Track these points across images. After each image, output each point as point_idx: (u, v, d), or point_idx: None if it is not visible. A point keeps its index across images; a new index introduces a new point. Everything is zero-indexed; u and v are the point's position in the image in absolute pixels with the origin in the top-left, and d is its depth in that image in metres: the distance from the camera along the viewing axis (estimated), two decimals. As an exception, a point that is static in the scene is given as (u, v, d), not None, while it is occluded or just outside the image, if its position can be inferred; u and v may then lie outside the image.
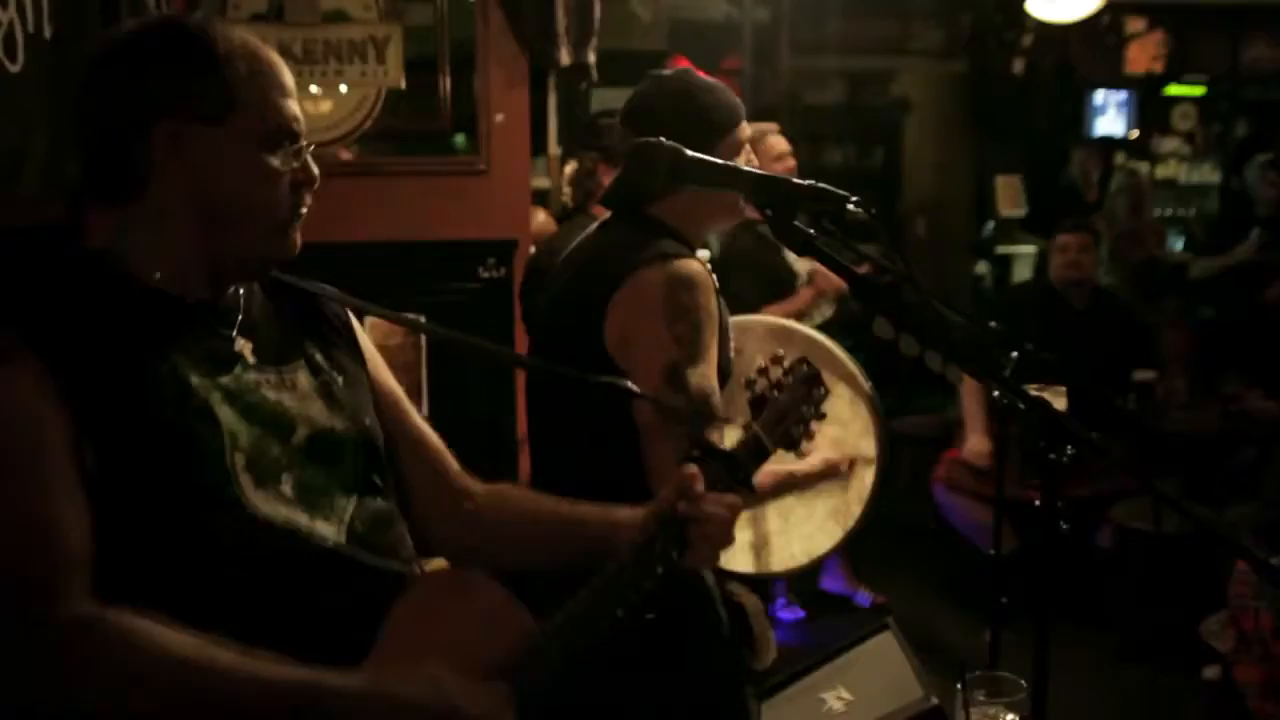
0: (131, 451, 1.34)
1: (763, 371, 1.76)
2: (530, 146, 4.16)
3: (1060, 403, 2.69)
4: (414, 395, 3.72)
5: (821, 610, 4.82)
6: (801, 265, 4.27)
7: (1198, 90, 10.23)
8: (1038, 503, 1.41)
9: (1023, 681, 1.62)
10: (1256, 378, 5.05)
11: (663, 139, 1.45)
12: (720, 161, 1.52)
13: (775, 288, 4.35)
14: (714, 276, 2.03)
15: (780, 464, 2.20)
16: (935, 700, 3.02)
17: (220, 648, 1.28)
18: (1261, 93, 10.25)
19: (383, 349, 1.79)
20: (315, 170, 1.50)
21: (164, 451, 1.35)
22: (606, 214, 3.37)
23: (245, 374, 1.47)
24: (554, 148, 5.00)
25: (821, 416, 1.77)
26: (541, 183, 5.15)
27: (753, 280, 4.27)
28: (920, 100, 9.89)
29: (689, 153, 1.44)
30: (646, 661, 1.92)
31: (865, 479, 2.40)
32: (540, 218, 4.73)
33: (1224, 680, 3.54)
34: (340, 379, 1.58)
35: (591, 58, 4.07)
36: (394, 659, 1.39)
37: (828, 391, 1.78)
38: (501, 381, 3.87)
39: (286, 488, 1.44)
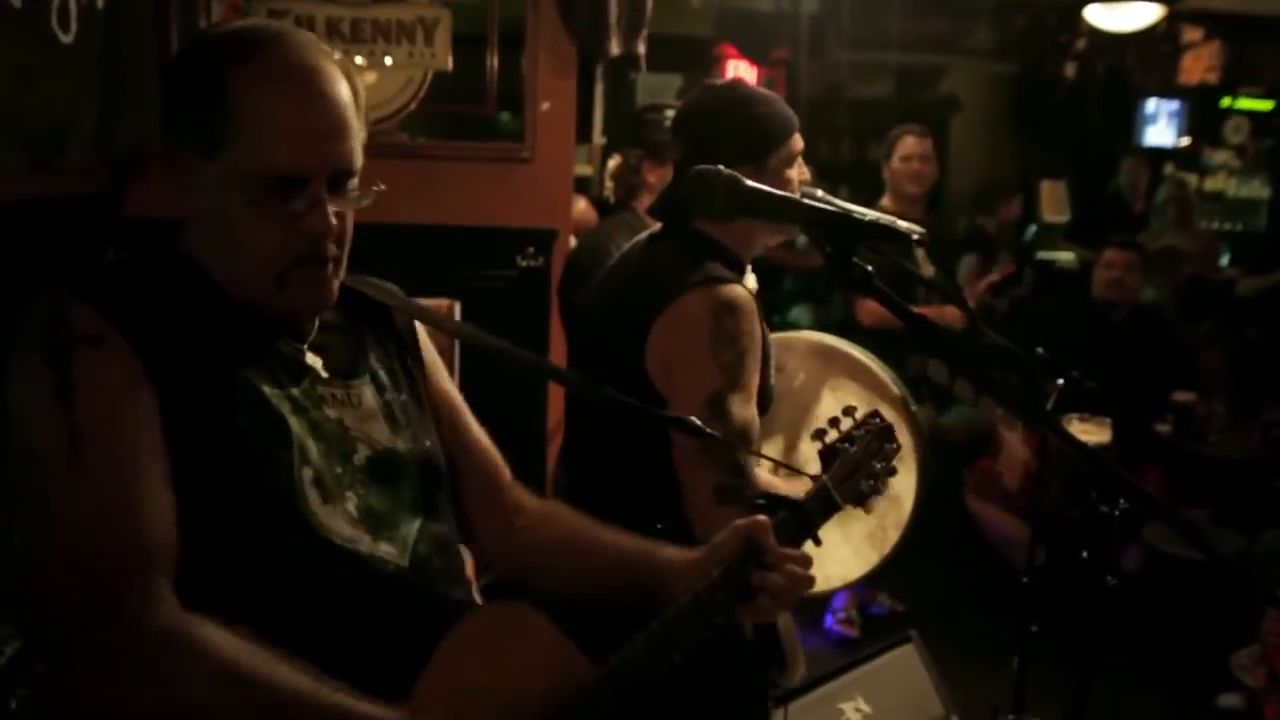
0: (202, 455, 1.31)
1: (834, 422, 1.70)
2: (575, 134, 4.11)
3: (1105, 435, 2.63)
4: (446, 381, 3.70)
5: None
6: (926, 270, 4.21)
7: (1254, 104, 10.07)
8: (1085, 554, 1.37)
9: (1056, 731, 1.58)
10: (1300, 403, 4.96)
11: (721, 168, 1.41)
12: (779, 193, 1.47)
13: (899, 281, 4.33)
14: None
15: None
16: (956, 719, 2.99)
17: (290, 668, 1.26)
18: (1316, 109, 10.10)
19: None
20: (328, 222, 1.38)
21: (234, 458, 1.32)
22: (648, 214, 3.39)
23: (313, 388, 1.44)
24: (599, 136, 4.96)
25: (893, 472, 1.70)
26: (584, 170, 5.12)
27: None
28: (969, 99, 9.79)
29: (747, 183, 1.40)
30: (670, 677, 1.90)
31: (904, 505, 2.35)
32: (581, 206, 4.70)
33: (1250, 714, 3.48)
34: (403, 396, 1.54)
35: (641, 48, 4.02)
36: (440, 693, 1.35)
37: (900, 446, 1.71)
38: (534, 373, 3.84)
39: (351, 506, 1.40)
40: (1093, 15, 7.49)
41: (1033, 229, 9.45)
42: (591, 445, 2.20)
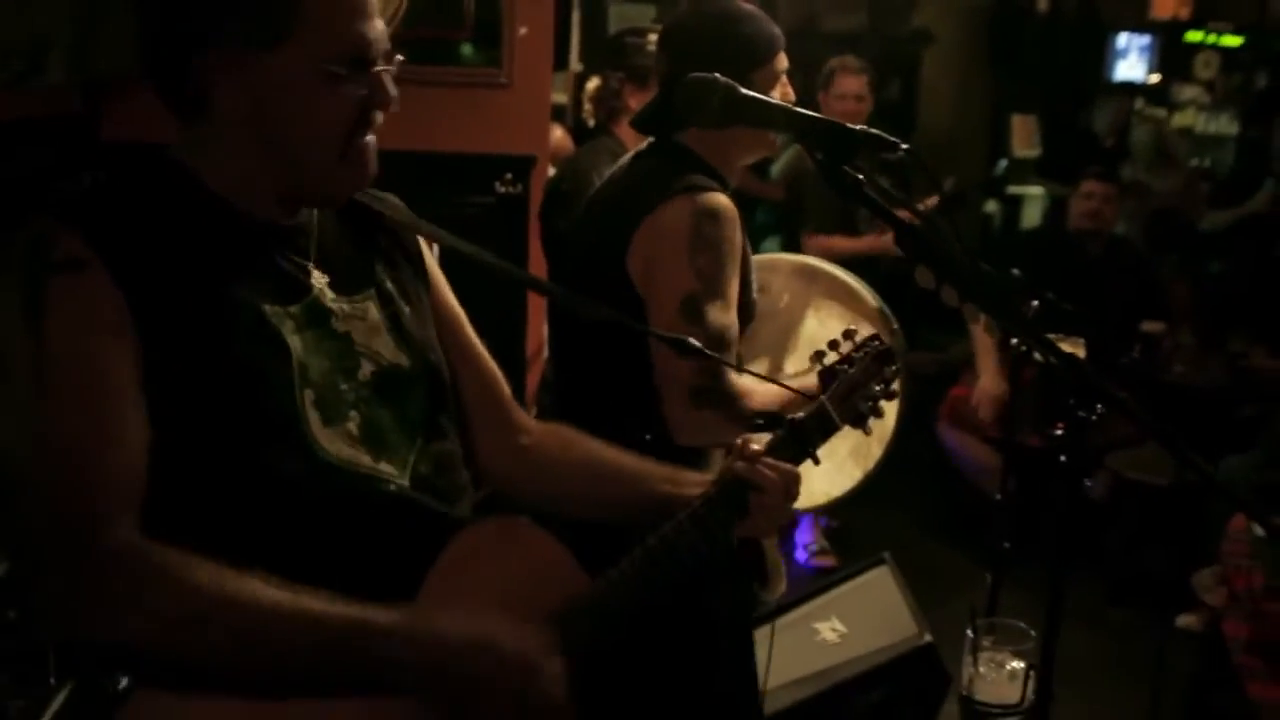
0: (198, 378, 1.30)
1: (834, 345, 1.73)
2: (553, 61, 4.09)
3: (1080, 354, 2.68)
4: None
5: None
6: None
7: (1223, 40, 10.11)
8: (1063, 457, 1.42)
9: (1031, 631, 1.65)
10: (1264, 334, 5.05)
11: (717, 75, 1.43)
12: (775, 102, 1.50)
13: (844, 212, 4.62)
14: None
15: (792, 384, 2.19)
16: (929, 638, 3.08)
17: (265, 583, 1.25)
18: (1286, 44, 10.15)
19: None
20: (391, 91, 1.41)
21: (232, 382, 1.31)
22: (627, 134, 3.39)
23: (317, 303, 1.42)
24: (575, 63, 4.94)
25: (893, 396, 1.72)
26: (560, 98, 5.11)
27: (824, 200, 4.52)
28: (941, 31, 9.75)
29: (743, 91, 1.43)
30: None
31: (887, 421, 2.39)
32: (557, 134, 4.69)
33: (1210, 633, 3.61)
34: (409, 310, 1.53)
35: (617, -27, 4.00)
36: (439, 601, 1.37)
37: (900, 369, 1.73)
38: (512, 300, 3.85)
39: (352, 425, 1.39)
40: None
41: (1004, 163, 9.49)
42: (577, 361, 2.23)
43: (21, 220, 1.31)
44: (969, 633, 1.67)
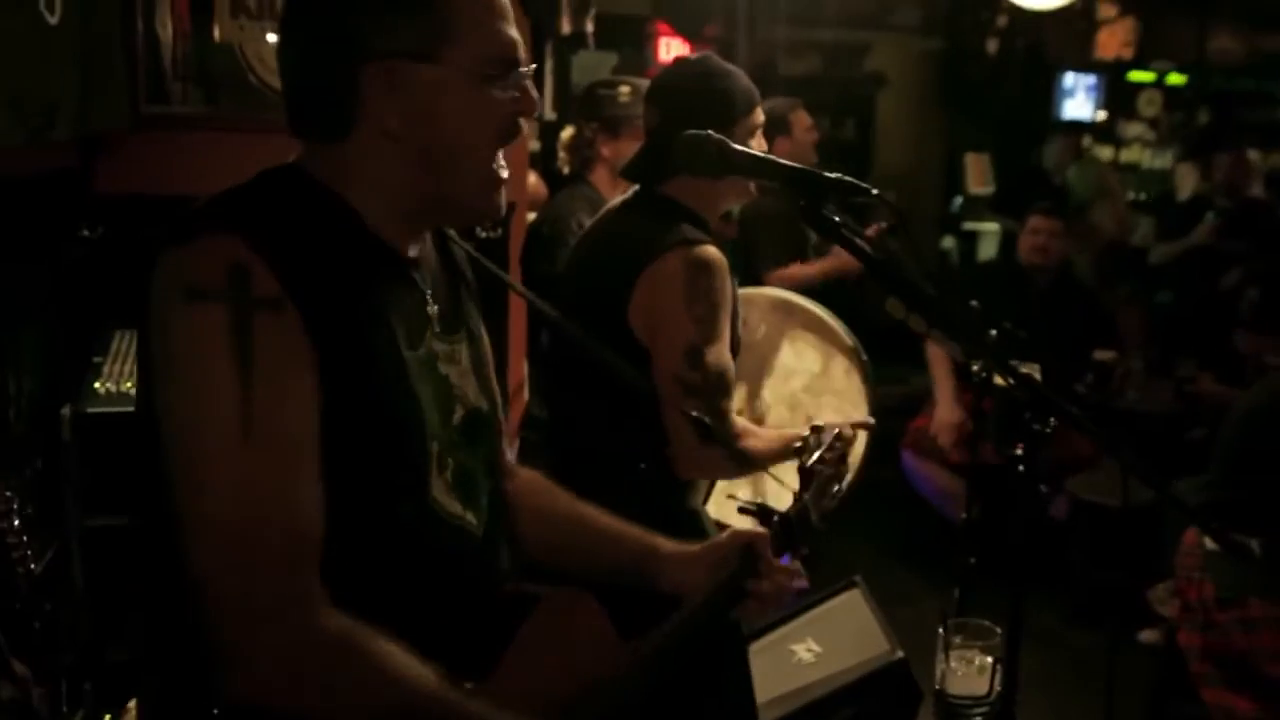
0: (357, 426, 1.28)
1: (806, 441, 1.88)
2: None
3: (1035, 375, 2.85)
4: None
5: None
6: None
7: (1169, 78, 10.47)
8: (1021, 467, 1.57)
9: (997, 629, 1.80)
10: (1210, 361, 5.25)
11: (710, 132, 1.59)
12: (761, 155, 1.66)
13: (795, 245, 4.83)
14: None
15: (784, 429, 2.36)
16: (900, 654, 3.22)
17: (433, 677, 1.26)
18: (1225, 83, 10.51)
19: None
20: (535, 95, 1.42)
21: (385, 432, 1.32)
22: (602, 181, 3.56)
23: (432, 344, 1.42)
24: (549, 112, 5.12)
25: (840, 485, 1.92)
26: (532, 145, 5.27)
27: (776, 237, 4.78)
28: (895, 74, 10.04)
29: (735, 146, 1.59)
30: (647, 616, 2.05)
31: (857, 446, 2.55)
32: (531, 180, 4.85)
33: (1168, 644, 3.76)
34: (482, 351, 1.55)
35: (589, 26, 4.19)
36: (522, 674, 1.43)
37: (849, 467, 1.93)
38: (494, 339, 3.97)
39: (449, 474, 1.40)
40: (1013, -7, 7.77)
41: (959, 200, 9.75)
42: (576, 393, 2.37)
43: (197, 232, 1.26)
44: (940, 631, 1.82)
